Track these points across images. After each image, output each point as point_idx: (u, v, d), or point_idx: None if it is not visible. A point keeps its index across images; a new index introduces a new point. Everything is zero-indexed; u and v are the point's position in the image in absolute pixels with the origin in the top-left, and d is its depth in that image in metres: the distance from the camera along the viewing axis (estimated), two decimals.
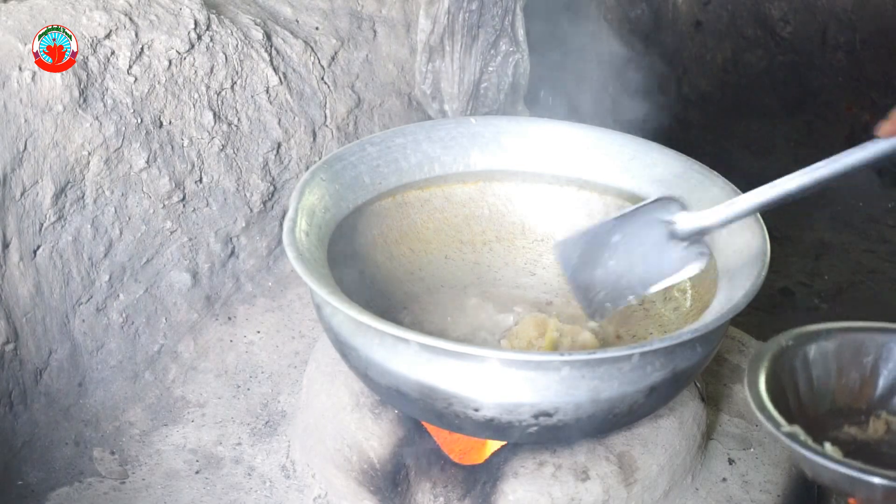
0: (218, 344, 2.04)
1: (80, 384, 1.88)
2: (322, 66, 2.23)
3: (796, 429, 1.37)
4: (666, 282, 1.62)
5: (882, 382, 1.58)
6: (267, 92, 2.11)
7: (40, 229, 1.81)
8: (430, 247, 1.86)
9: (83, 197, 1.87)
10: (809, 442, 1.36)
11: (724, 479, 1.74)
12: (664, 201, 1.62)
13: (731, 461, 1.78)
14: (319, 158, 2.15)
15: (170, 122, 1.97)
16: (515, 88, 2.42)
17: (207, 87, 2.02)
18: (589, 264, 1.63)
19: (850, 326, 1.63)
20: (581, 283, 1.64)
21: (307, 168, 2.08)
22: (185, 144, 2.00)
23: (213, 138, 2.03)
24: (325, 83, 2.23)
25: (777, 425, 1.37)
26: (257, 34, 2.12)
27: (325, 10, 2.30)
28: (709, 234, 1.60)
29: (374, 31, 2.36)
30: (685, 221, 1.60)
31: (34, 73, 1.77)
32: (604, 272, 1.62)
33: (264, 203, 2.12)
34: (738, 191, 1.69)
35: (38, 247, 1.81)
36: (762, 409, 1.40)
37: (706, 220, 1.58)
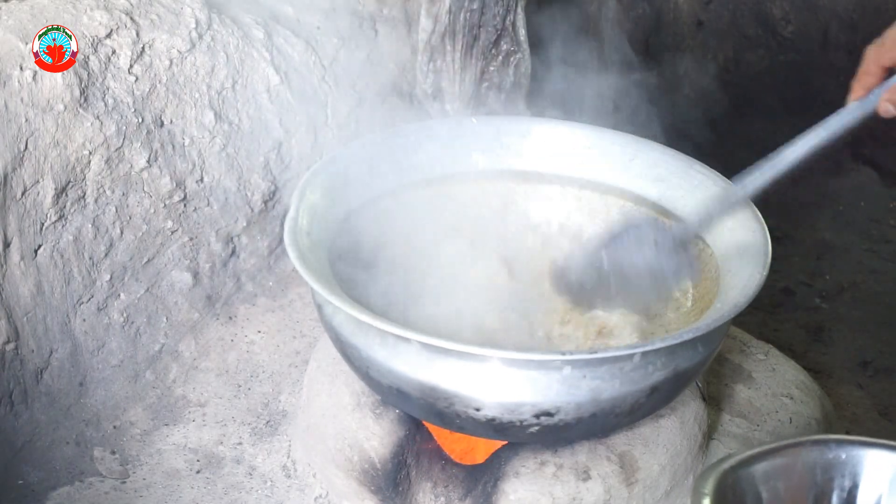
0: (219, 343, 2.04)
1: (80, 384, 1.88)
2: (323, 66, 2.23)
3: None
4: (669, 290, 1.65)
5: (836, 501, 1.54)
6: (268, 91, 2.11)
7: (41, 229, 1.81)
8: (430, 247, 1.86)
9: (84, 196, 1.87)
10: None
11: None
12: (641, 223, 1.67)
13: None
14: (321, 158, 2.15)
15: (171, 122, 1.97)
16: (516, 88, 2.42)
17: (208, 87, 2.02)
18: (590, 289, 1.66)
19: (793, 442, 1.59)
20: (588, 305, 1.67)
21: (308, 167, 2.08)
22: (186, 144, 1.99)
23: (214, 138, 2.03)
24: (327, 83, 2.23)
25: None
26: (258, 34, 2.12)
27: (327, 9, 2.30)
28: (691, 241, 1.62)
29: (376, 31, 2.36)
30: (670, 234, 1.63)
31: (35, 73, 1.77)
32: (606, 294, 1.65)
33: (265, 202, 2.12)
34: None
35: (39, 246, 1.81)
36: None
37: (689, 228, 1.61)
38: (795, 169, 1.52)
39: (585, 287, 1.67)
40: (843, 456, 1.51)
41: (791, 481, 1.50)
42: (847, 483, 1.51)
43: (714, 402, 1.88)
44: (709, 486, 1.41)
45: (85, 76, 1.84)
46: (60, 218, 1.84)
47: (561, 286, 1.70)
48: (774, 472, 1.50)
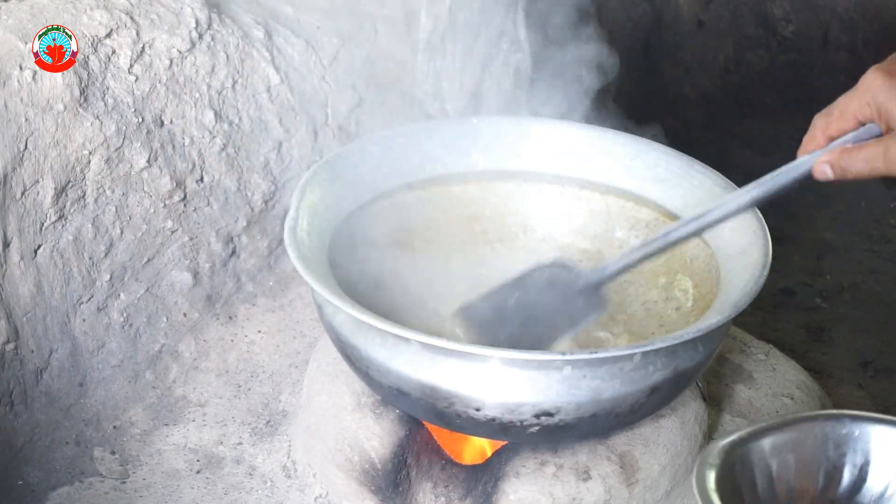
0: (219, 343, 2.04)
1: (80, 384, 1.88)
2: (323, 66, 2.23)
3: None
4: (573, 330, 1.65)
5: (847, 477, 1.54)
6: (268, 91, 2.11)
7: (41, 229, 1.81)
8: (431, 246, 1.86)
9: (84, 196, 1.87)
10: None
11: None
12: (551, 266, 1.67)
13: None
14: (321, 158, 2.15)
15: (171, 122, 1.97)
16: (517, 88, 2.41)
17: (209, 87, 2.02)
18: (496, 325, 1.63)
19: (806, 416, 1.59)
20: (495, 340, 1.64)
21: (308, 167, 2.08)
22: (186, 144, 1.99)
23: (214, 137, 2.03)
24: (327, 82, 2.23)
25: None
26: (258, 33, 2.11)
27: (327, 9, 2.29)
28: (604, 285, 1.63)
29: (376, 30, 2.35)
30: (580, 278, 1.63)
31: (35, 73, 1.77)
32: (512, 330, 1.62)
33: (265, 202, 2.12)
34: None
35: (39, 246, 1.81)
36: None
37: (598, 274, 1.62)
38: (721, 223, 1.56)
39: (491, 326, 1.64)
40: (857, 432, 1.51)
41: (802, 455, 1.50)
42: (859, 459, 1.51)
43: (714, 402, 1.88)
44: (714, 458, 1.41)
45: (85, 76, 1.83)
46: (60, 218, 1.84)
47: (467, 324, 1.65)
48: (785, 446, 1.50)
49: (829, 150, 1.40)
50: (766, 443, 1.48)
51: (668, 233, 1.58)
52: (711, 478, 1.41)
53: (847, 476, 1.51)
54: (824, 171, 1.41)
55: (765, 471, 1.47)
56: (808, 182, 1.44)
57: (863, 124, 1.38)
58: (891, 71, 1.34)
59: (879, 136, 1.36)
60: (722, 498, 1.38)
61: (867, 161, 1.35)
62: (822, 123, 1.41)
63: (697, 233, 1.59)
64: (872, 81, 1.35)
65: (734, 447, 1.45)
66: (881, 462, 1.50)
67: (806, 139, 1.43)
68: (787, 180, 1.46)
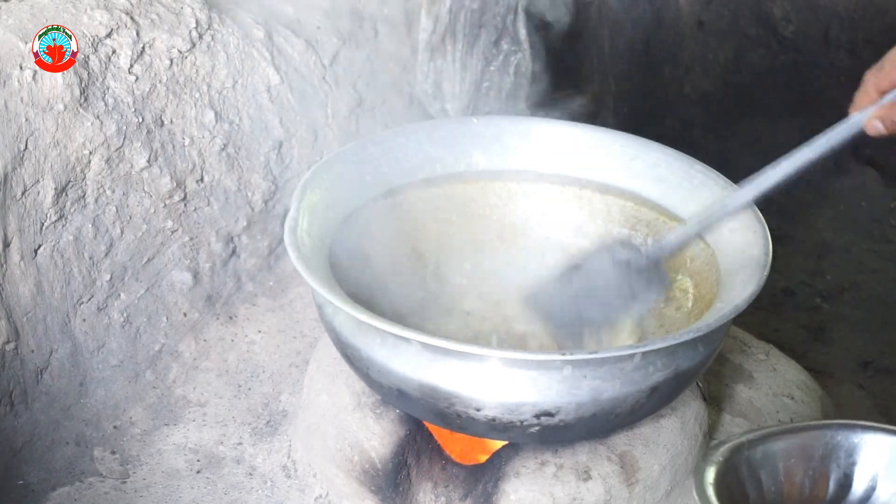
0: (219, 343, 2.04)
1: (80, 384, 1.88)
2: (323, 66, 2.23)
3: None
4: (639, 309, 1.67)
5: (808, 483, 1.57)
6: (268, 91, 2.11)
7: (41, 228, 1.81)
8: (431, 246, 1.86)
9: (84, 196, 1.87)
10: None
11: None
12: (611, 244, 1.70)
13: None
14: (321, 158, 2.15)
15: (171, 122, 1.97)
16: (517, 88, 2.42)
17: (209, 87, 2.02)
18: (564, 308, 1.65)
19: (793, 427, 1.63)
20: (564, 327, 1.67)
21: (309, 167, 2.08)
22: (186, 144, 1.99)
23: (214, 137, 2.03)
24: (327, 82, 2.23)
25: None
26: (258, 33, 2.11)
27: (327, 9, 2.30)
28: (663, 262, 1.65)
29: (376, 31, 2.36)
30: (641, 254, 1.64)
31: (35, 73, 1.77)
32: (578, 311, 1.64)
33: (266, 202, 2.12)
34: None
35: (39, 246, 1.81)
36: None
37: (658, 249, 1.64)
38: (792, 179, 1.54)
39: (557, 312, 1.67)
40: (841, 439, 1.55)
41: (790, 463, 1.53)
42: (844, 465, 1.54)
43: (715, 402, 1.88)
44: (718, 456, 1.47)
45: (85, 76, 1.83)
46: (60, 218, 1.84)
47: (534, 311, 1.69)
48: (774, 455, 1.53)
49: (879, 104, 1.40)
50: (757, 452, 1.50)
51: (725, 201, 1.59)
52: (711, 474, 1.43)
53: (833, 481, 1.54)
54: (876, 127, 1.41)
55: (755, 480, 1.50)
56: (861, 137, 1.44)
57: None
58: None
59: None
60: (718, 495, 1.40)
61: None
62: (874, 78, 1.42)
63: (757, 199, 1.57)
64: None
65: (739, 449, 1.47)
66: (865, 467, 1.53)
67: (858, 95, 1.44)
68: (843, 136, 1.46)
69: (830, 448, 1.57)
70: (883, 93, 1.41)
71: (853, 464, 1.57)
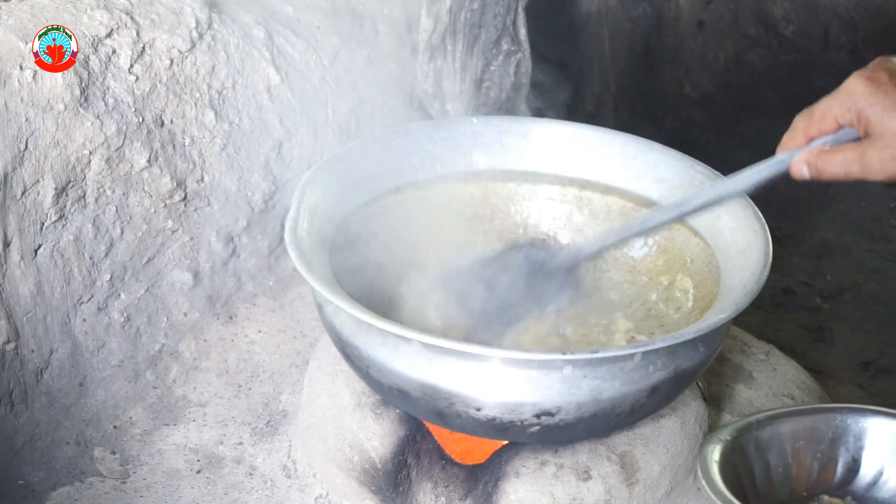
0: (219, 343, 2.04)
1: (81, 384, 1.88)
2: (324, 66, 2.23)
3: None
4: (545, 309, 1.70)
5: (817, 466, 1.58)
6: (268, 91, 2.11)
7: (41, 228, 1.81)
8: (431, 247, 1.86)
9: (84, 196, 1.86)
10: None
11: None
12: (528, 245, 1.75)
13: None
14: (321, 158, 2.14)
15: (171, 122, 1.97)
16: (517, 88, 2.42)
17: (209, 86, 2.02)
18: (472, 297, 1.69)
19: (802, 409, 1.64)
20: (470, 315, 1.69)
21: (309, 167, 2.08)
22: (186, 143, 1.99)
23: (214, 137, 2.03)
24: (327, 82, 2.23)
25: None
26: (259, 33, 2.11)
27: (327, 9, 2.29)
28: (579, 266, 1.70)
29: (376, 31, 2.35)
30: (555, 258, 1.70)
31: (35, 72, 1.77)
32: (486, 302, 1.68)
33: (266, 202, 2.12)
34: None
35: (40, 246, 1.81)
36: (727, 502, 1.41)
37: (574, 255, 1.69)
38: (709, 207, 1.61)
39: (467, 297, 1.69)
40: (850, 423, 1.55)
41: (798, 445, 1.54)
42: (853, 449, 1.55)
43: (715, 402, 1.88)
44: (725, 434, 1.49)
45: (85, 76, 1.83)
46: (60, 218, 1.84)
47: (445, 293, 1.72)
48: (782, 436, 1.54)
49: (807, 149, 1.42)
50: (765, 433, 1.51)
51: (646, 219, 1.64)
52: (716, 451, 1.45)
53: (841, 464, 1.55)
54: (801, 171, 1.43)
55: (764, 456, 1.51)
56: (785, 179, 1.47)
57: (842, 127, 1.40)
58: (872, 77, 1.36)
59: (858, 139, 1.38)
60: (723, 472, 1.42)
61: (843, 164, 1.39)
62: (803, 124, 1.44)
63: (675, 219, 1.64)
64: (854, 87, 1.37)
65: (748, 428, 1.49)
66: (873, 451, 1.55)
67: (786, 137, 1.46)
68: (765, 175, 1.50)
69: (840, 432, 1.58)
70: (811, 139, 1.43)
71: (861, 448, 1.58)
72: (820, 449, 1.58)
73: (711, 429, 1.80)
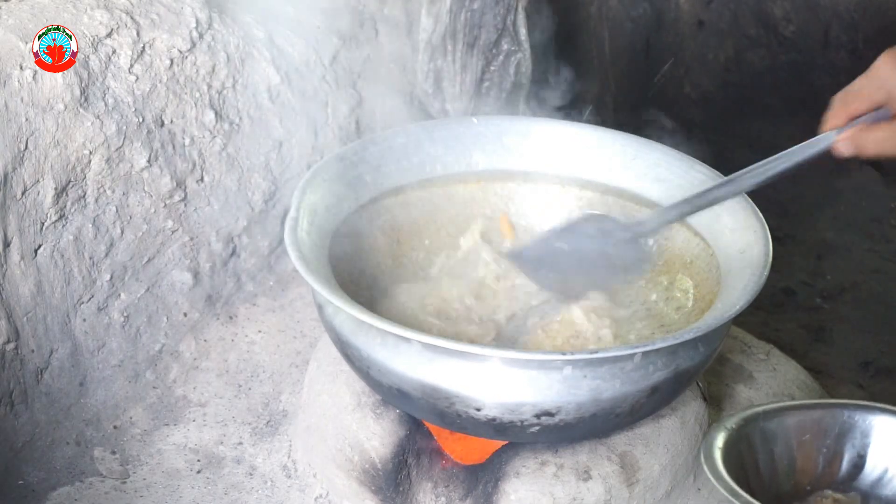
0: (219, 343, 2.04)
1: (81, 383, 1.88)
2: (324, 65, 2.23)
3: None
4: (621, 279, 1.75)
5: (822, 460, 1.59)
6: (268, 91, 2.11)
7: (41, 228, 1.81)
8: (431, 247, 1.86)
9: (84, 196, 1.86)
10: None
11: None
12: (597, 216, 1.79)
13: None
14: (321, 158, 2.14)
15: (171, 122, 1.97)
16: (517, 88, 2.41)
17: (209, 86, 2.02)
18: (548, 269, 1.73)
19: (810, 403, 1.65)
20: (547, 285, 1.73)
21: (309, 167, 2.08)
22: (186, 143, 1.99)
23: (214, 137, 2.03)
24: (327, 82, 2.23)
25: None
26: (259, 33, 2.11)
27: (327, 9, 2.29)
28: (645, 237, 1.74)
29: (376, 31, 2.36)
30: (626, 229, 1.72)
31: (35, 72, 1.77)
32: (563, 274, 1.72)
33: (266, 202, 2.12)
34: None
35: (40, 246, 1.81)
36: (733, 493, 1.42)
37: (642, 227, 1.71)
38: (757, 190, 1.63)
39: (541, 266, 1.74)
40: (858, 419, 1.56)
41: (804, 438, 1.55)
42: (859, 445, 1.55)
43: (715, 402, 1.88)
44: (731, 423, 1.51)
45: (85, 76, 1.83)
46: (61, 217, 1.84)
47: (520, 265, 1.76)
48: (789, 428, 1.55)
49: (848, 128, 1.47)
50: (771, 425, 1.52)
51: (707, 191, 1.66)
52: (721, 439, 1.45)
53: (847, 460, 1.55)
54: (842, 148, 1.48)
55: (770, 447, 1.52)
56: (828, 157, 1.51)
57: (880, 107, 1.44)
58: None
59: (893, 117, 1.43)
60: (726, 460, 1.42)
61: (879, 142, 1.44)
62: (841, 103, 1.48)
63: (735, 194, 1.64)
64: (883, 66, 1.42)
65: (755, 419, 1.49)
66: (879, 448, 1.55)
67: (828, 116, 1.50)
68: (811, 153, 1.53)
69: (847, 427, 1.59)
70: (851, 118, 1.47)
71: (867, 444, 1.58)
72: (826, 443, 1.59)
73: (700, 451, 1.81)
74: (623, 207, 1.84)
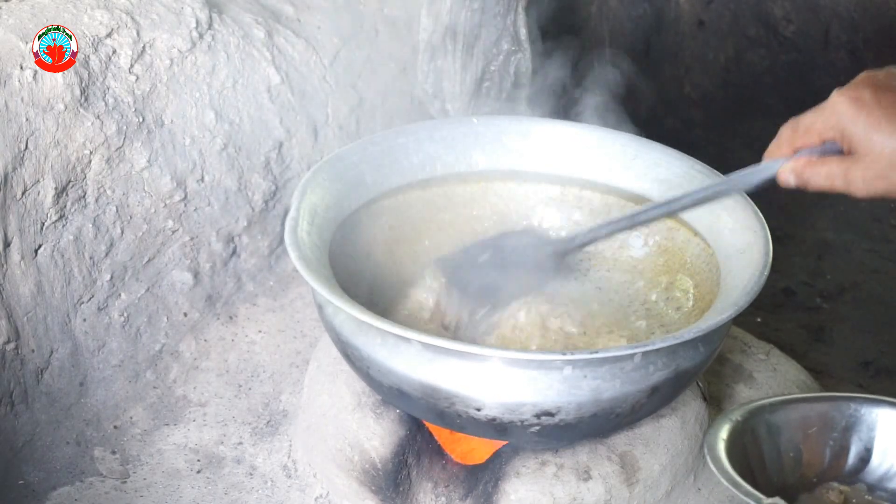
0: (219, 343, 2.04)
1: (81, 383, 1.88)
2: (324, 65, 2.23)
3: (777, 500, 1.38)
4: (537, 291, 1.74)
5: (829, 453, 1.59)
6: (268, 91, 2.11)
7: (41, 228, 1.81)
8: (431, 247, 1.86)
9: (84, 196, 1.87)
10: None
11: None
12: (523, 231, 1.83)
13: None
14: (321, 158, 2.14)
15: (171, 121, 1.97)
16: (517, 88, 2.41)
17: (209, 86, 2.02)
18: (469, 278, 1.72)
19: (817, 396, 1.66)
20: (465, 294, 1.72)
21: (309, 167, 2.08)
22: (186, 143, 1.99)
23: (214, 137, 2.03)
24: (327, 82, 2.23)
25: (758, 500, 1.39)
26: (259, 33, 2.11)
27: (327, 9, 2.30)
28: (572, 253, 1.75)
29: (376, 31, 2.36)
30: (549, 244, 1.75)
31: (35, 72, 1.77)
32: (484, 285, 1.71)
33: (266, 202, 2.12)
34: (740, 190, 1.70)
35: (40, 246, 1.81)
36: (735, 484, 1.42)
37: (566, 242, 1.73)
38: (691, 208, 1.65)
39: (463, 277, 1.73)
40: (864, 412, 1.56)
41: (811, 431, 1.56)
42: (865, 438, 1.56)
43: (715, 402, 1.88)
44: (736, 414, 1.54)
45: (85, 76, 1.83)
46: (61, 217, 1.84)
47: (441, 273, 1.76)
48: (795, 421, 1.55)
49: (795, 158, 1.45)
50: (778, 417, 1.52)
51: (635, 214, 1.68)
52: (725, 430, 1.46)
53: (853, 454, 1.55)
54: (788, 179, 1.46)
55: (776, 439, 1.52)
56: (772, 185, 1.50)
57: (826, 142, 1.42)
58: (855, 96, 1.38)
59: (842, 151, 1.40)
60: (729, 451, 1.42)
61: (828, 178, 1.41)
62: (788, 134, 1.47)
63: (665, 215, 1.67)
64: (837, 105, 1.39)
65: (760, 411, 1.50)
66: (885, 442, 1.55)
67: (773, 146, 1.49)
68: (753, 180, 1.53)
69: (853, 420, 1.59)
70: (796, 150, 1.45)
71: (874, 438, 1.58)
72: (833, 436, 1.59)
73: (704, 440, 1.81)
74: (623, 207, 1.84)
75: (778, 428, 1.57)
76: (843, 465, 1.58)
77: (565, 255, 1.74)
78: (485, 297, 1.70)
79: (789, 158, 1.45)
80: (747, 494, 1.40)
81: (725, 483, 1.43)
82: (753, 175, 1.52)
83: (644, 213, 1.66)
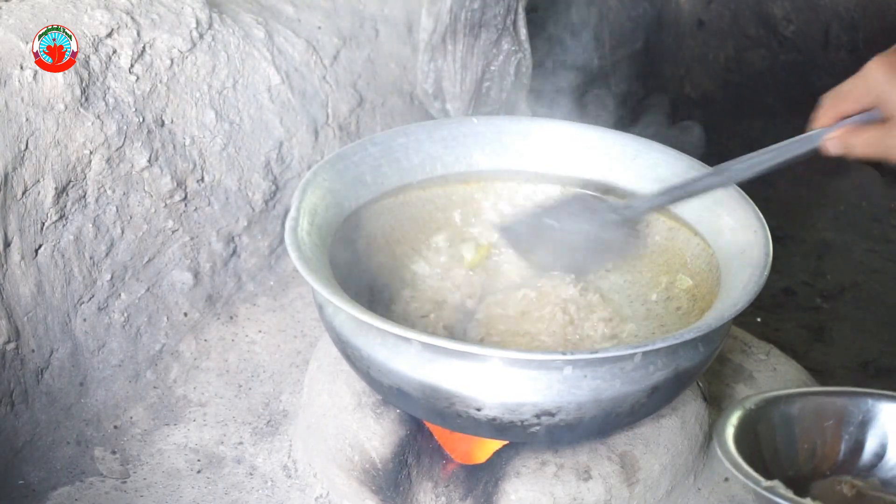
0: (219, 343, 2.04)
1: (81, 383, 1.88)
2: (324, 66, 2.23)
3: (776, 483, 1.39)
4: (612, 259, 1.79)
5: (844, 447, 1.59)
6: (269, 91, 2.11)
7: (42, 228, 1.81)
8: (432, 247, 1.86)
9: (85, 196, 1.87)
10: (792, 495, 1.38)
11: (727, 479, 1.74)
12: (583, 196, 1.83)
13: None
14: (321, 158, 2.15)
15: (171, 121, 1.97)
16: (517, 88, 2.41)
17: (209, 86, 2.02)
18: (537, 246, 1.77)
19: (833, 391, 1.66)
20: (536, 262, 1.78)
21: (309, 167, 2.08)
22: (186, 143, 2.00)
23: (214, 137, 2.03)
24: (327, 82, 2.23)
25: (756, 482, 1.39)
26: (259, 33, 2.12)
27: (327, 9, 2.30)
28: (639, 219, 1.77)
29: (376, 31, 2.36)
30: (612, 210, 1.76)
31: (35, 72, 1.77)
32: (552, 252, 1.76)
33: (266, 202, 2.12)
34: (740, 190, 1.71)
35: (40, 246, 1.81)
36: (737, 466, 1.42)
37: (631, 209, 1.75)
38: (747, 181, 1.66)
39: (528, 240, 1.77)
40: (882, 408, 1.57)
41: (827, 424, 1.56)
42: (881, 434, 1.56)
43: (715, 402, 1.88)
44: (750, 403, 1.55)
45: (86, 76, 1.84)
46: (61, 217, 1.84)
47: (507, 238, 1.80)
48: (810, 414, 1.56)
49: (837, 127, 1.48)
50: (774, 415, 1.53)
51: (697, 179, 1.69)
52: (736, 417, 1.46)
53: (869, 450, 1.56)
54: (832, 148, 1.49)
55: (791, 431, 1.53)
56: (817, 155, 1.53)
57: (866, 109, 1.45)
58: (890, 62, 1.39)
59: (883, 120, 1.43)
60: (738, 439, 1.43)
61: (868, 144, 1.44)
62: (830, 104, 1.49)
63: (722, 185, 1.67)
64: (874, 71, 1.42)
65: (776, 402, 1.50)
66: None
67: (817, 115, 1.51)
68: (801, 149, 1.55)
69: (870, 416, 1.60)
70: (839, 118, 1.48)
71: (888, 434, 1.59)
72: (849, 431, 1.59)
73: (711, 429, 1.81)
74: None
75: (794, 419, 1.58)
76: (857, 460, 1.58)
77: (628, 222, 1.75)
78: (551, 264, 1.74)
79: (832, 128, 1.47)
80: (747, 476, 1.40)
81: (727, 464, 1.44)
82: (801, 143, 1.54)
83: (702, 181, 1.68)
